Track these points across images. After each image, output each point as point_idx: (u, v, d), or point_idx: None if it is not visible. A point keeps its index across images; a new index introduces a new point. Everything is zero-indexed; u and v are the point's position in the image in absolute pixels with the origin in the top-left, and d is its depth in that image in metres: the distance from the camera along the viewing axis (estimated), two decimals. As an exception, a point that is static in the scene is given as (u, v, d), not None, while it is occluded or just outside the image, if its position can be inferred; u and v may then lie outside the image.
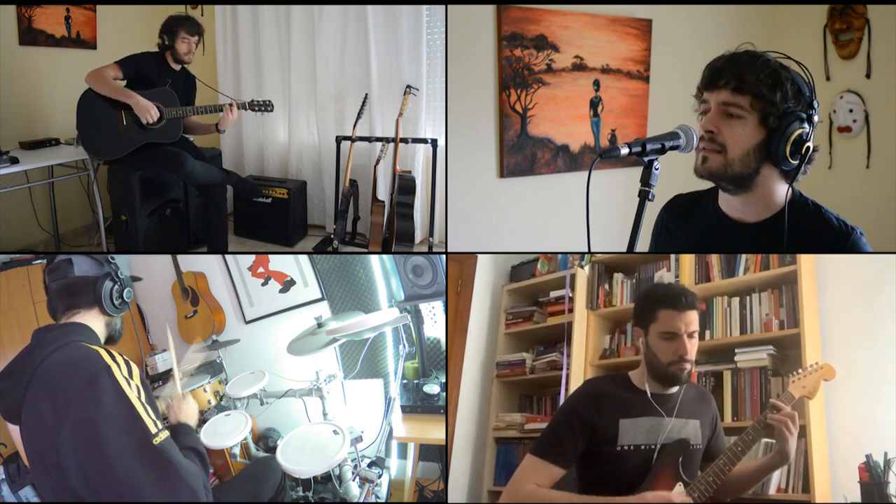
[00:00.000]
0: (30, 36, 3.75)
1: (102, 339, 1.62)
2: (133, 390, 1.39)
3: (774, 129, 1.39)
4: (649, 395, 1.62)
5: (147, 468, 1.32)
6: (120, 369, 1.41)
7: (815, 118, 1.41)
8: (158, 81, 3.25)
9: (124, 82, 3.24)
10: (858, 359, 2.20)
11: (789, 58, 1.43)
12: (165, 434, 1.39)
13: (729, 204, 1.55)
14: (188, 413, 1.73)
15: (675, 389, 1.67)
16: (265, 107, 3.38)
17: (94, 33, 4.16)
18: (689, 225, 1.66)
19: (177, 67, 3.37)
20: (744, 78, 1.39)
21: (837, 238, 1.42)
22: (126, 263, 1.75)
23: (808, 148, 1.39)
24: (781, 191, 1.47)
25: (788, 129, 1.38)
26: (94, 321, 1.59)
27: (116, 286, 1.61)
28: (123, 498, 1.30)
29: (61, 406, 1.34)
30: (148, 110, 3.12)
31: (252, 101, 3.38)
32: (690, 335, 1.60)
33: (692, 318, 1.60)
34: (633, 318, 1.73)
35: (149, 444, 1.34)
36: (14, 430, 1.47)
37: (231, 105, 3.31)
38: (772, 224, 1.48)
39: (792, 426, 1.54)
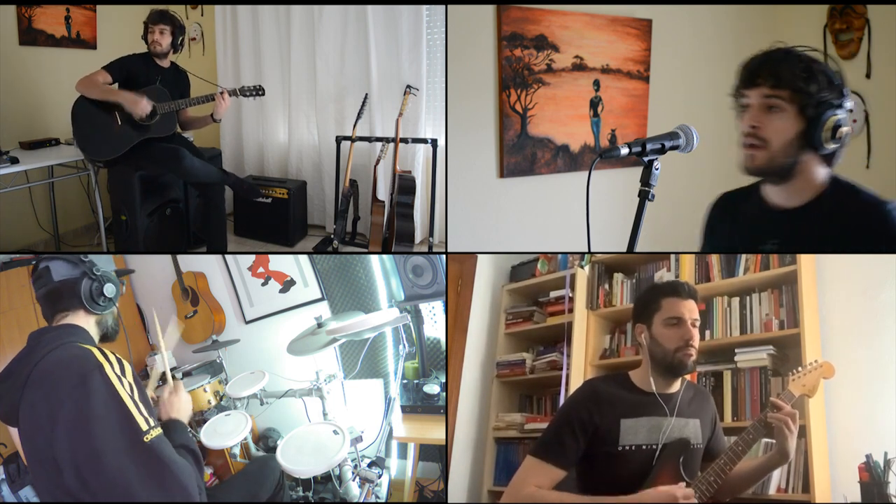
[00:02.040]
0: (30, 36, 3.75)
1: (97, 338, 1.65)
2: (125, 388, 1.41)
3: (812, 118, 1.46)
4: (655, 393, 1.63)
5: (138, 466, 1.33)
6: (112, 367, 1.43)
7: (848, 104, 1.49)
8: (148, 80, 3.26)
9: (115, 85, 3.26)
10: (858, 358, 2.19)
11: (816, 50, 1.51)
12: (157, 431, 1.41)
13: (772, 192, 1.61)
14: (179, 408, 1.72)
15: (676, 388, 1.67)
16: (256, 91, 3.39)
17: (94, 33, 4.16)
18: (736, 219, 1.72)
19: (165, 64, 3.37)
20: (781, 74, 1.47)
21: (872, 208, 1.47)
22: (109, 260, 1.76)
23: (843, 132, 1.47)
24: (821, 174, 1.54)
25: (824, 116, 1.46)
26: (85, 321, 1.62)
27: (95, 284, 1.63)
28: (115, 495, 1.31)
29: (55, 405, 1.36)
30: (138, 103, 3.13)
31: (242, 87, 3.40)
32: (693, 323, 1.63)
33: (694, 307, 1.65)
34: (633, 315, 1.74)
35: (140, 442, 1.36)
36: (14, 430, 1.49)
37: (222, 92, 3.31)
38: (812, 207, 1.54)
39: (792, 425, 1.55)
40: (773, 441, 1.60)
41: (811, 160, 1.52)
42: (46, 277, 1.60)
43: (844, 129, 1.48)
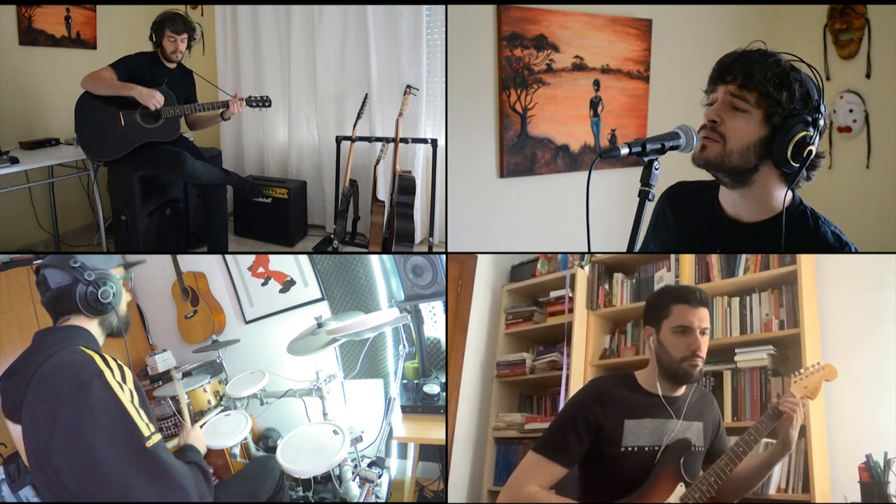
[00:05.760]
0: (30, 36, 3.75)
1: (101, 339, 1.65)
2: (126, 394, 1.42)
3: (778, 127, 1.40)
4: (661, 396, 1.62)
5: (139, 470, 1.35)
6: (113, 374, 1.43)
7: (822, 122, 1.41)
8: (154, 81, 3.20)
9: None
10: (858, 359, 2.20)
11: (801, 60, 1.43)
12: (158, 437, 1.42)
13: (728, 199, 1.55)
14: (196, 440, 1.81)
15: (682, 391, 1.66)
16: (263, 102, 3.37)
17: (94, 33, 4.16)
18: (685, 216, 1.65)
19: (171, 65, 3.32)
20: (752, 75, 1.40)
21: (833, 248, 1.42)
22: (109, 259, 1.71)
23: (811, 151, 1.40)
24: (780, 194, 1.48)
25: (792, 130, 1.39)
26: (87, 323, 1.62)
27: (90, 289, 1.60)
28: (116, 500, 1.32)
29: (54, 410, 1.37)
30: (153, 96, 3.10)
31: (250, 97, 3.38)
32: (702, 332, 1.61)
33: (704, 315, 1.62)
34: (643, 317, 1.72)
35: (140, 447, 1.37)
36: (15, 429, 1.50)
37: (237, 97, 3.31)
38: (767, 227, 1.48)
39: (801, 413, 1.56)
40: (773, 441, 1.61)
41: (771, 173, 1.45)
42: (45, 285, 1.61)
43: (811, 149, 1.39)
